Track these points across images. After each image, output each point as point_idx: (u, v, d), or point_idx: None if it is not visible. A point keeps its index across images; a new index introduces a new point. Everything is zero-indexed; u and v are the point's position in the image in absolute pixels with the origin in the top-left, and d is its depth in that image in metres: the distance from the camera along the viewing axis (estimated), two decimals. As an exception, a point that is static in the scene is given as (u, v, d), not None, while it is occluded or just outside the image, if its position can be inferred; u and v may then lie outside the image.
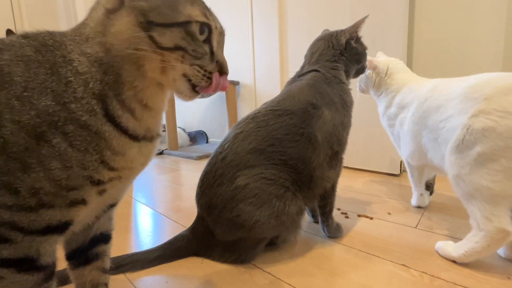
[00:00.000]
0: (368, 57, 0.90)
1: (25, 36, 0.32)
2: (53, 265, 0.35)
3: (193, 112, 2.85)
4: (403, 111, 0.85)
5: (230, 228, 0.60)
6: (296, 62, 1.73)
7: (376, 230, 0.79)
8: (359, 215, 0.89)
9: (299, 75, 0.78)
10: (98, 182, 0.33)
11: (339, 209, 0.94)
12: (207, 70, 0.35)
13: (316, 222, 0.84)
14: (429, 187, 0.97)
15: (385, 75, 0.93)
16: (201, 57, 0.35)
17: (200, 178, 0.67)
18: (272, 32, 1.85)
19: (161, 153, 2.35)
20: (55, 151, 0.30)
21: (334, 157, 0.68)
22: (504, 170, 0.53)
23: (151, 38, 0.32)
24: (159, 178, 1.49)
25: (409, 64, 1.35)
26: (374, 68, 0.95)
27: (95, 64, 0.32)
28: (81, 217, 0.36)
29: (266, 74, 1.97)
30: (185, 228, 0.70)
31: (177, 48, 0.33)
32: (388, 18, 1.29)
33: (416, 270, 0.60)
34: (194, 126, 2.86)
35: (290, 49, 1.76)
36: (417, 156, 0.81)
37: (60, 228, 0.33)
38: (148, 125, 0.36)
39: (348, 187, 1.19)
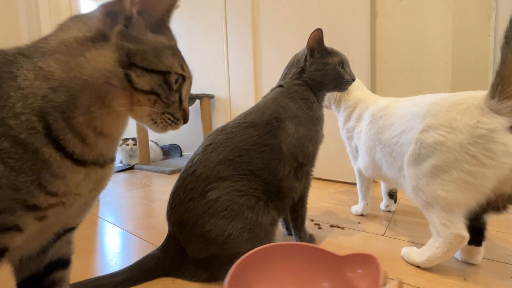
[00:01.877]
0: None
1: None
2: None
3: (166, 125, 2.79)
4: (360, 124, 0.92)
5: (203, 244, 0.58)
6: (269, 77, 1.79)
7: (348, 239, 0.82)
8: (331, 226, 0.92)
9: (272, 89, 0.81)
10: (34, 207, 0.30)
11: (312, 220, 0.96)
12: (175, 117, 0.38)
13: (291, 234, 0.85)
14: (393, 195, 1.04)
15: (345, 92, 1.00)
16: (171, 105, 0.37)
17: (171, 194, 0.65)
18: (246, 47, 1.90)
19: (131, 167, 2.24)
20: None
21: (300, 169, 0.70)
22: (456, 181, 0.58)
23: (126, 76, 0.32)
24: (128, 194, 1.41)
25: (373, 83, 1.46)
26: None
27: (41, 79, 0.30)
28: (20, 244, 0.32)
29: (240, 88, 2.01)
30: (156, 247, 0.67)
31: (152, 92, 0.35)
32: (353, 42, 1.39)
33: (384, 277, 0.62)
34: (168, 139, 2.79)
35: (263, 64, 1.82)
36: (371, 169, 0.88)
37: None
38: (101, 150, 0.35)
39: (321, 198, 1.23)
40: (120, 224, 1.00)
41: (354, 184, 1.44)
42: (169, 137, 2.77)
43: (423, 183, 0.63)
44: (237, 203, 0.59)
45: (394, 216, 0.99)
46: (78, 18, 0.35)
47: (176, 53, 0.37)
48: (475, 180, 0.56)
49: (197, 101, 2.25)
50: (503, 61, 0.52)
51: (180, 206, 0.61)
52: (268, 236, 0.63)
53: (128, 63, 0.32)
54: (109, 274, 0.61)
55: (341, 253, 0.51)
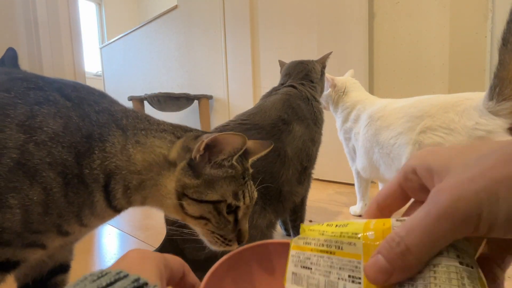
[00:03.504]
0: (329, 75, 0.98)
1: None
2: None
3: (164, 126, 2.78)
4: (357, 125, 0.93)
5: (200, 246, 0.58)
6: (267, 78, 1.79)
7: (346, 240, 0.82)
8: (329, 226, 0.92)
9: (276, 89, 0.79)
10: (65, 233, 0.34)
11: (310, 221, 0.96)
12: (226, 238, 0.39)
13: (289, 235, 0.85)
14: None
15: (343, 93, 1.01)
16: (223, 228, 0.38)
17: (170, 195, 0.65)
18: (244, 48, 1.90)
19: (129, 168, 2.24)
20: (47, 197, 0.31)
21: (303, 172, 0.70)
22: None
23: (180, 204, 0.36)
24: (126, 195, 1.41)
25: (370, 84, 1.46)
26: (334, 86, 1.03)
27: (124, 156, 0.35)
28: (37, 258, 0.36)
29: (239, 88, 2.01)
30: (154, 248, 0.67)
31: (201, 218, 0.37)
32: (351, 43, 1.40)
33: (382, 277, 0.63)
34: (166, 140, 2.79)
35: (262, 65, 1.82)
36: (369, 170, 0.88)
37: (7, 266, 0.32)
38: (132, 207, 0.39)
39: (319, 198, 1.23)
40: (118, 225, 0.99)
41: (352, 184, 1.44)
42: (168, 137, 2.77)
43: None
44: None
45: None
46: (170, 131, 0.39)
47: (233, 182, 0.38)
48: None
49: (196, 101, 2.25)
50: (501, 63, 0.52)
51: (178, 207, 0.61)
52: (264, 238, 0.63)
53: (182, 193, 0.36)
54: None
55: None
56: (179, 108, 2.27)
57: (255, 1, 1.80)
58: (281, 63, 0.91)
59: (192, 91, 2.31)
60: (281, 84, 0.81)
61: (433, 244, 0.16)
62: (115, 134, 0.35)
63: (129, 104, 2.29)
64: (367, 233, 0.19)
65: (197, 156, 0.36)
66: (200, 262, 0.62)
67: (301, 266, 0.23)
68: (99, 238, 0.90)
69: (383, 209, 0.23)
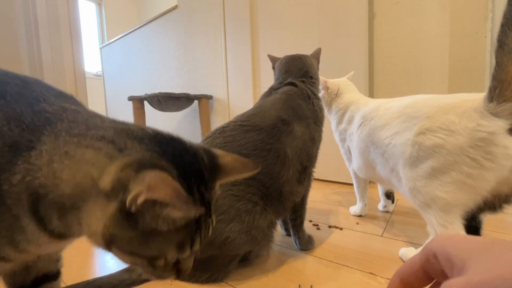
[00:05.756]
0: (322, 78, 0.98)
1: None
2: None
3: (165, 126, 2.78)
4: (351, 126, 0.93)
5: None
6: (267, 78, 1.79)
7: (346, 240, 0.82)
8: (329, 226, 0.92)
9: (275, 88, 0.78)
10: (2, 259, 0.30)
11: (310, 221, 0.96)
12: (161, 276, 0.33)
13: (289, 235, 0.85)
14: (390, 196, 1.04)
15: (336, 95, 1.01)
16: (159, 272, 0.31)
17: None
18: (244, 48, 1.90)
19: (129, 168, 2.24)
20: None
21: (303, 172, 0.70)
22: (455, 182, 0.58)
23: (109, 249, 0.29)
24: (126, 195, 1.41)
25: (370, 84, 1.46)
26: (327, 89, 1.03)
27: (50, 174, 0.27)
28: (7, 269, 0.33)
29: (239, 88, 2.01)
30: (154, 248, 0.67)
31: (134, 263, 0.31)
32: (351, 43, 1.40)
33: (382, 277, 0.63)
34: (166, 140, 2.79)
35: (262, 65, 1.82)
36: (365, 171, 0.89)
37: None
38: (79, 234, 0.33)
39: (319, 199, 1.23)
40: (118, 225, 0.99)
41: (352, 184, 1.44)
42: (168, 137, 2.77)
43: (420, 185, 0.63)
44: (234, 207, 0.58)
45: (392, 216, 0.99)
46: (109, 139, 0.29)
47: (180, 232, 0.29)
48: (474, 182, 0.56)
49: (196, 101, 2.25)
50: (499, 65, 0.52)
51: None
52: (265, 238, 0.64)
53: (111, 242, 0.28)
54: (107, 275, 0.61)
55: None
56: (179, 108, 2.27)
57: (255, 1, 1.80)
58: (272, 58, 0.88)
59: (192, 91, 2.31)
60: (280, 82, 0.79)
61: None
62: (46, 141, 0.27)
63: (129, 104, 2.29)
64: None
65: (133, 207, 0.26)
66: (200, 262, 0.62)
67: None
68: (99, 238, 0.90)
69: (407, 285, 0.23)
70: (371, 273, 0.64)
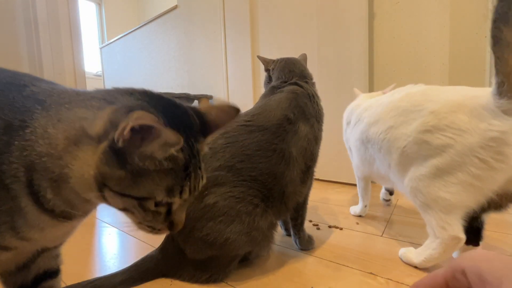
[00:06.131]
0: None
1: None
2: None
3: (164, 126, 2.78)
4: (349, 128, 0.96)
5: (201, 246, 0.58)
6: (267, 78, 1.79)
7: (346, 240, 0.82)
8: (329, 226, 0.92)
9: (278, 87, 0.77)
10: (5, 248, 0.31)
11: (310, 221, 0.96)
12: (155, 228, 0.34)
13: (289, 235, 0.85)
14: (392, 194, 1.05)
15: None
16: (151, 220, 0.33)
17: (170, 195, 0.65)
18: (244, 48, 1.90)
19: (129, 168, 2.24)
20: None
21: (306, 172, 0.69)
22: (461, 183, 0.56)
23: (102, 195, 0.30)
24: (126, 195, 1.41)
25: (370, 84, 1.46)
26: None
27: (46, 141, 0.29)
28: (9, 257, 0.33)
29: (239, 88, 2.01)
30: (154, 248, 0.67)
31: (126, 210, 0.32)
32: (351, 43, 1.40)
33: (382, 277, 0.63)
34: (166, 140, 2.79)
35: (261, 65, 1.82)
36: (361, 169, 0.89)
37: None
38: (87, 208, 0.35)
39: (319, 199, 1.23)
40: (118, 225, 0.99)
41: (352, 184, 1.44)
42: (168, 137, 2.77)
43: (423, 185, 0.61)
44: (234, 209, 0.58)
45: (392, 216, 0.99)
46: (100, 98, 0.32)
47: (169, 176, 0.31)
48: (481, 183, 0.54)
49: (196, 101, 2.25)
50: (500, 59, 0.50)
51: (179, 208, 0.61)
52: (265, 239, 0.63)
53: (103, 183, 0.29)
54: (107, 275, 0.61)
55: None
56: (179, 108, 2.27)
57: (255, 1, 1.80)
58: (264, 60, 0.87)
59: (192, 91, 2.31)
60: (283, 81, 0.78)
61: None
62: (38, 117, 0.29)
63: (129, 104, 2.29)
64: None
65: (120, 140, 0.28)
66: (200, 262, 0.62)
67: None
68: (99, 238, 0.90)
69: None
70: (371, 273, 0.64)
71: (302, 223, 0.75)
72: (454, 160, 0.56)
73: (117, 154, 0.29)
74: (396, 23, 1.38)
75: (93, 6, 3.78)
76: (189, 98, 2.14)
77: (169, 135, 0.28)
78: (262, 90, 0.86)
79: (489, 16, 1.20)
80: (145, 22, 2.78)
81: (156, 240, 0.83)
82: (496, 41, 0.50)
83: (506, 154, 0.52)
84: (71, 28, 1.20)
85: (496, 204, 0.59)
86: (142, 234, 0.90)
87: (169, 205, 0.33)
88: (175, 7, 2.43)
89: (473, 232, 0.64)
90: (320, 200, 1.20)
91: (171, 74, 2.61)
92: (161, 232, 0.35)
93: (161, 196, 0.31)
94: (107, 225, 1.00)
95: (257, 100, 0.80)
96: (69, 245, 0.85)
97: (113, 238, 0.89)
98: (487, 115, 0.53)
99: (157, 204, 0.32)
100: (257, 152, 0.63)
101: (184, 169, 0.32)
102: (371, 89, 1.46)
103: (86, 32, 3.66)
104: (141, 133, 0.28)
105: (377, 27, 1.44)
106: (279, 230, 0.87)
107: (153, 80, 2.80)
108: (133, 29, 2.92)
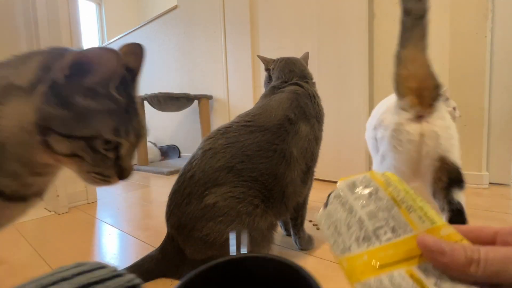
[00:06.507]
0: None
1: None
2: None
3: (165, 126, 2.78)
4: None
5: (201, 246, 0.58)
6: (267, 78, 1.79)
7: (346, 240, 0.82)
8: (329, 226, 0.92)
9: (278, 87, 0.77)
10: None
11: (310, 221, 0.96)
12: (104, 175, 0.34)
13: (289, 235, 0.85)
14: None
15: None
16: (100, 165, 0.33)
17: (169, 196, 0.65)
18: (244, 48, 1.90)
19: (129, 168, 2.24)
20: None
21: (307, 172, 0.69)
22: (389, 167, 0.67)
23: (45, 141, 0.30)
24: (126, 195, 1.41)
25: (370, 84, 1.46)
26: None
27: None
28: None
29: (239, 88, 2.01)
30: (154, 248, 0.67)
31: (74, 155, 0.31)
32: (351, 43, 1.40)
33: (382, 277, 0.63)
34: (166, 140, 2.79)
35: (261, 65, 1.82)
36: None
37: None
38: (41, 187, 0.34)
39: (319, 199, 1.23)
40: (118, 225, 0.99)
41: (352, 184, 1.44)
42: (168, 138, 2.77)
43: (376, 168, 0.73)
44: (234, 209, 0.58)
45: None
46: (28, 56, 0.32)
47: (113, 116, 0.32)
48: (400, 166, 0.66)
49: (196, 101, 2.25)
50: (400, 61, 0.64)
51: (178, 210, 0.60)
52: (265, 240, 0.63)
53: (45, 127, 0.29)
54: (107, 275, 0.61)
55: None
56: (179, 108, 2.27)
57: (255, 1, 1.80)
58: (264, 59, 0.87)
59: (192, 91, 2.31)
60: (284, 81, 0.78)
61: (499, 276, 0.16)
62: None
63: (129, 104, 2.29)
64: (443, 230, 0.19)
65: (61, 77, 0.29)
66: (200, 262, 0.62)
67: (350, 190, 0.24)
68: (99, 238, 0.90)
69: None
70: (371, 273, 0.64)
71: (302, 222, 0.75)
72: (385, 148, 0.69)
73: (59, 95, 0.29)
74: (396, 23, 1.38)
75: (93, 6, 3.78)
76: (189, 98, 2.15)
77: (108, 55, 0.29)
78: (262, 90, 0.86)
79: (489, 16, 1.20)
80: (145, 22, 2.78)
81: (156, 240, 0.84)
82: (395, 60, 0.65)
83: (401, 140, 0.65)
84: (71, 28, 1.20)
85: (437, 179, 0.67)
86: (142, 234, 0.90)
87: (117, 148, 0.34)
88: (175, 7, 2.44)
89: (456, 214, 0.68)
90: (320, 200, 1.20)
91: (171, 74, 2.61)
92: (111, 181, 0.35)
93: (108, 135, 0.31)
94: (107, 225, 1.00)
95: (257, 100, 0.80)
96: (69, 245, 0.85)
97: (113, 238, 0.89)
98: (394, 112, 0.66)
99: (106, 144, 0.32)
100: (258, 152, 0.62)
101: (126, 111, 0.33)
102: (370, 89, 1.46)
103: (86, 32, 3.66)
104: (82, 69, 0.29)
105: (377, 27, 1.43)
106: (279, 230, 0.87)
107: (153, 80, 2.80)
108: (133, 29, 2.93)
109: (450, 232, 0.19)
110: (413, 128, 0.64)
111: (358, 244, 0.21)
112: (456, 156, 0.66)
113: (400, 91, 0.65)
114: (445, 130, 0.65)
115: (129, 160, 0.36)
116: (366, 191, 0.24)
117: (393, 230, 0.20)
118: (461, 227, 0.21)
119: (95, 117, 0.31)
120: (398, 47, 0.67)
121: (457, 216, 0.68)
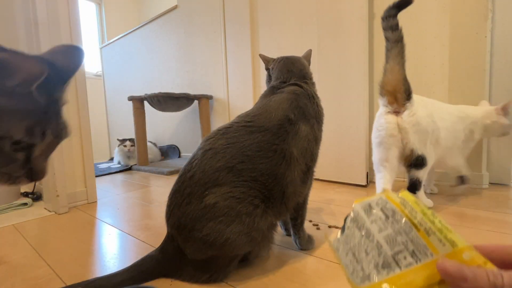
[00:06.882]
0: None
1: None
2: None
3: (165, 126, 2.78)
4: None
5: (201, 246, 0.58)
6: (267, 78, 1.79)
7: (346, 240, 0.82)
8: (329, 226, 0.92)
9: (278, 87, 0.77)
10: None
11: (310, 221, 0.96)
12: (12, 175, 0.33)
13: (289, 235, 0.85)
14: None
15: None
16: (7, 166, 0.32)
17: (169, 196, 0.64)
18: (244, 48, 1.90)
19: (129, 168, 2.24)
20: None
21: (307, 172, 0.69)
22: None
23: None
24: (126, 195, 1.41)
25: (371, 84, 1.46)
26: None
27: None
28: None
29: (239, 88, 2.01)
30: (154, 248, 0.67)
31: None
32: (351, 44, 1.40)
33: (382, 277, 0.63)
34: (166, 140, 2.79)
35: (261, 65, 1.82)
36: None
37: None
38: None
39: (319, 199, 1.23)
40: (118, 225, 0.99)
41: (352, 184, 1.44)
42: (168, 137, 2.77)
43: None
44: (234, 209, 0.58)
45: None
46: None
47: (29, 116, 0.31)
48: (379, 140, 0.95)
49: (196, 101, 2.25)
50: (384, 72, 0.95)
51: (178, 210, 0.60)
52: (265, 240, 0.63)
53: None
54: (107, 275, 0.61)
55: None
56: (179, 108, 2.27)
57: (255, 1, 1.80)
58: (265, 58, 0.87)
59: (192, 91, 2.32)
60: (283, 82, 0.78)
61: None
62: None
63: (129, 104, 2.29)
64: (465, 253, 0.19)
65: None
66: (200, 262, 0.62)
67: (366, 211, 0.25)
68: (99, 238, 0.90)
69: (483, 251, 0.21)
70: (371, 273, 0.64)
71: (302, 222, 0.75)
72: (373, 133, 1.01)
73: None
74: (396, 23, 1.38)
75: (93, 6, 3.78)
76: (189, 98, 2.14)
77: (31, 63, 0.28)
78: (262, 89, 0.86)
79: (489, 16, 1.20)
80: (145, 22, 2.78)
81: (156, 240, 0.83)
82: (382, 70, 0.96)
83: (381, 123, 0.94)
84: (71, 28, 1.20)
85: (405, 155, 0.95)
86: (142, 234, 0.90)
87: (29, 149, 0.33)
88: (175, 7, 2.44)
89: (412, 185, 0.94)
90: (320, 200, 1.20)
91: (171, 74, 2.61)
92: (20, 181, 0.34)
93: (20, 135, 0.30)
94: (107, 225, 1.00)
95: (257, 100, 0.80)
96: (69, 245, 0.85)
97: (113, 238, 0.89)
98: (380, 107, 0.98)
99: (15, 144, 0.31)
100: (258, 152, 0.62)
101: (44, 112, 0.32)
102: (371, 89, 1.46)
103: (86, 32, 3.66)
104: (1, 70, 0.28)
105: (377, 27, 1.44)
106: (279, 230, 0.87)
107: (153, 80, 2.80)
108: (133, 29, 2.92)
109: (473, 255, 0.18)
110: (390, 117, 0.93)
111: (378, 271, 0.20)
112: (418, 146, 0.90)
113: (381, 93, 0.96)
114: (413, 125, 0.89)
115: (43, 161, 0.35)
116: (383, 213, 0.23)
117: (413, 254, 0.20)
118: (484, 246, 0.21)
119: (6, 117, 0.29)
120: (384, 62, 0.94)
121: (411, 186, 0.94)
